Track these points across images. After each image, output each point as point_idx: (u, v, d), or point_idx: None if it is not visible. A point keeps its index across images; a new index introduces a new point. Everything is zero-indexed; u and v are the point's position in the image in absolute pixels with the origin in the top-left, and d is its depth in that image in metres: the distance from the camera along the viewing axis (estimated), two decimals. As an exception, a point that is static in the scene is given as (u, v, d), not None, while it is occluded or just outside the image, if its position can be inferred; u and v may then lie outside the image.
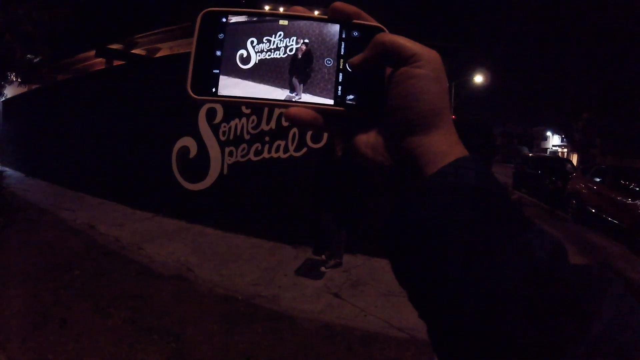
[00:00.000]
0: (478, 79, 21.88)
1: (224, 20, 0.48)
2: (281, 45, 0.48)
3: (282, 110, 0.46)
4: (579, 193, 9.85)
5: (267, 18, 0.49)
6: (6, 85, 12.91)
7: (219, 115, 6.27)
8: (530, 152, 38.22)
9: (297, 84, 0.47)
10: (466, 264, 0.34)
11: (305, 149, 5.58)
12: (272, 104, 0.47)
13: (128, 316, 3.80)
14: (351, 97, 0.47)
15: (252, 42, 0.48)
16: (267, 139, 5.86)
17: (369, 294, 4.37)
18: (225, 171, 6.30)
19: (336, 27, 0.48)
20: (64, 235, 6.06)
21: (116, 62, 13.57)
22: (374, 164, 0.45)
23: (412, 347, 3.50)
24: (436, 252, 0.35)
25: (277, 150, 5.79)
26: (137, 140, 7.70)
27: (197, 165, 6.57)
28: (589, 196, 9.37)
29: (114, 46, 15.10)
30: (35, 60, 12.39)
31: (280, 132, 5.74)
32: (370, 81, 0.47)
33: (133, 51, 15.39)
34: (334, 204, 4.78)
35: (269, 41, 0.48)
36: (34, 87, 13.66)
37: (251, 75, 0.47)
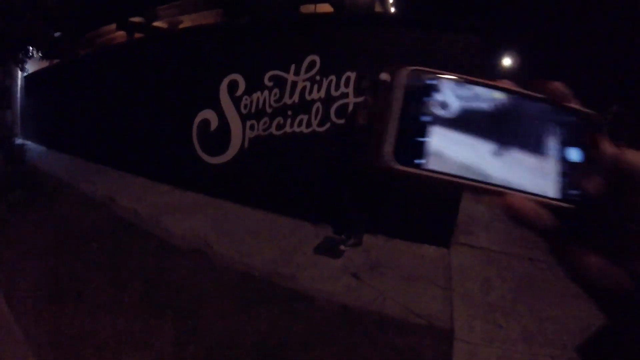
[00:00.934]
0: (506, 61, 21.27)
1: (432, 83, 0.43)
2: (497, 117, 0.43)
3: (496, 198, 0.40)
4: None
5: (478, 88, 0.43)
6: (27, 60, 13.04)
7: (241, 88, 6.11)
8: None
9: (514, 160, 0.42)
10: None
11: (328, 124, 5.38)
12: (486, 188, 0.41)
13: (144, 291, 3.78)
14: (573, 192, 0.41)
15: (463, 109, 0.42)
16: (289, 112, 5.68)
17: (389, 276, 4.22)
18: (246, 145, 6.17)
19: (551, 109, 0.44)
20: (83, 208, 6.08)
21: (137, 35, 13.50)
22: (601, 286, 0.39)
23: (431, 334, 3.37)
24: None
25: (299, 125, 5.61)
26: (157, 113, 7.62)
27: (217, 139, 6.46)
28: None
29: (135, 19, 15.01)
30: (56, 35, 12.47)
31: (303, 106, 5.55)
32: (592, 177, 0.41)
33: (155, 24, 15.28)
34: (357, 185, 4.57)
35: (483, 111, 0.43)
36: (55, 61, 13.76)
37: (461, 147, 0.41)
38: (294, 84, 5.58)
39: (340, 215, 4.81)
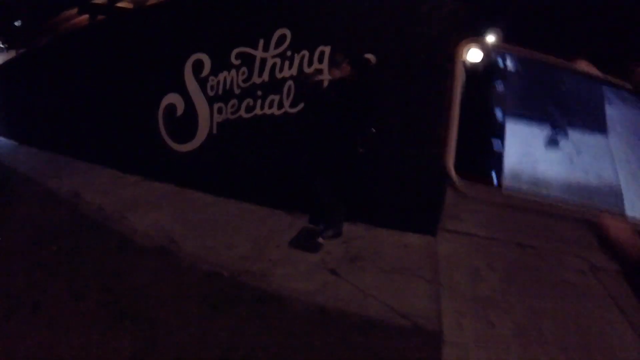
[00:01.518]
0: (490, 39, 20.84)
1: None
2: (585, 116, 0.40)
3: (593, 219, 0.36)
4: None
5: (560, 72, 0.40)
6: (-7, 53, 12.64)
7: (206, 68, 5.64)
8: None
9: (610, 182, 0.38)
10: None
11: (301, 105, 4.95)
12: (588, 212, 0.37)
13: (102, 298, 3.54)
14: None
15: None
16: (259, 93, 5.23)
17: (370, 270, 3.87)
18: (214, 130, 5.73)
19: None
20: (47, 207, 5.75)
21: (100, 18, 12.87)
22: None
23: (417, 336, 3.07)
24: None
25: (270, 106, 5.16)
26: (123, 100, 7.12)
27: (184, 124, 6.00)
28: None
29: (97, 1, 14.37)
30: (17, 24, 11.99)
31: (273, 85, 5.09)
32: None
33: (119, 4, 14.61)
34: (334, 170, 4.17)
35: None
36: (20, 51, 13.26)
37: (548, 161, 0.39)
38: (263, 61, 5.10)
39: (316, 203, 4.42)
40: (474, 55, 0.35)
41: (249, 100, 5.32)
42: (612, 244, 0.36)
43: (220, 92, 5.55)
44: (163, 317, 3.26)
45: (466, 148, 0.34)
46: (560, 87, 0.36)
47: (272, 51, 5.04)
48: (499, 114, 0.34)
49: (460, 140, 0.35)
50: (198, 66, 5.70)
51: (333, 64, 4.13)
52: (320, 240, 4.27)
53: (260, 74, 5.17)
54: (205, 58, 5.61)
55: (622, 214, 0.36)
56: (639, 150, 0.34)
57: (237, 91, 5.39)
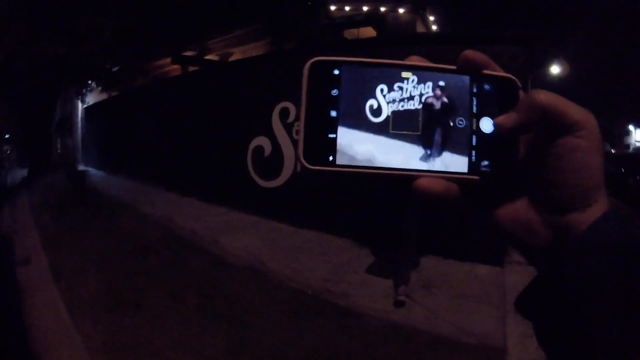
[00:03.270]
0: (555, 69, 20.46)
1: (337, 72, 0.42)
2: (408, 98, 0.43)
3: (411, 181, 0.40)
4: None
5: (385, 70, 0.43)
6: (87, 92, 13.92)
7: (292, 115, 6.36)
8: (613, 149, 35.22)
9: (427, 141, 0.42)
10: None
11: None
12: (397, 175, 0.41)
13: (200, 303, 3.93)
14: (485, 163, 0.42)
15: (372, 95, 0.42)
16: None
17: (441, 296, 4.22)
18: (298, 169, 6.37)
19: (465, 79, 0.43)
20: (142, 226, 6.45)
21: (191, 68, 14.15)
22: (524, 243, 0.42)
23: (482, 353, 3.32)
24: (593, 311, 0.35)
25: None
26: (213, 140, 8.06)
27: (271, 164, 6.72)
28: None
29: (188, 53, 15.76)
30: (114, 69, 13.29)
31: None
32: (504, 144, 0.42)
33: (207, 57, 15.98)
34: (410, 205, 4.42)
35: (393, 93, 0.42)
36: (112, 93, 14.53)
37: (371, 138, 0.42)
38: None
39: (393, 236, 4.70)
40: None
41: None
42: (429, 198, 0.40)
43: (303, 135, 6.19)
44: (255, 322, 3.60)
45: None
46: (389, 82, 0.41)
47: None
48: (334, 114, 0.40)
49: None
50: (284, 113, 6.44)
51: None
52: (402, 298, 4.09)
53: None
54: (290, 106, 6.35)
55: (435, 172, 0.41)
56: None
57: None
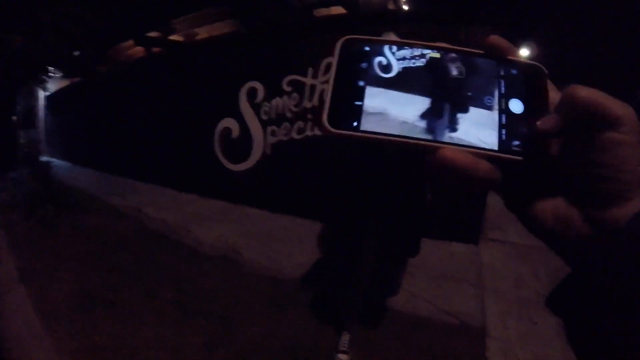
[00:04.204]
0: (524, 52, 20.74)
1: (367, 48, 0.45)
2: (435, 75, 0.44)
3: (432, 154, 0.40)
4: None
5: (415, 49, 0.45)
6: (49, 80, 13.39)
7: (260, 95, 6.18)
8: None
9: (453, 116, 0.42)
10: None
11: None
12: (421, 144, 0.40)
13: (175, 298, 3.84)
14: (516, 143, 0.41)
15: (400, 71, 0.44)
16: (309, 116, 5.71)
17: (419, 277, 4.18)
18: (268, 151, 6.22)
19: (492, 62, 0.45)
20: (112, 220, 6.23)
21: (155, 50, 13.68)
22: (563, 239, 0.40)
23: (463, 332, 3.34)
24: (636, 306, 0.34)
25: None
26: (179, 124, 7.78)
27: (239, 146, 6.53)
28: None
29: (152, 34, 15.24)
30: (75, 54, 12.77)
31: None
32: (534, 128, 0.41)
33: (171, 37, 15.47)
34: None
35: (420, 70, 0.44)
36: (75, 80, 14.03)
37: (399, 107, 0.42)
38: (313, 87, 5.60)
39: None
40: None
41: (300, 123, 5.80)
42: (453, 171, 0.39)
43: (273, 116, 6.05)
44: (232, 315, 3.54)
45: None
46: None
47: (321, 78, 5.52)
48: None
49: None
50: (252, 93, 6.24)
51: None
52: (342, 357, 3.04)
53: (310, 99, 5.65)
54: (258, 86, 6.15)
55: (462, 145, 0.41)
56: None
57: (289, 115, 5.88)
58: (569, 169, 0.40)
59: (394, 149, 0.42)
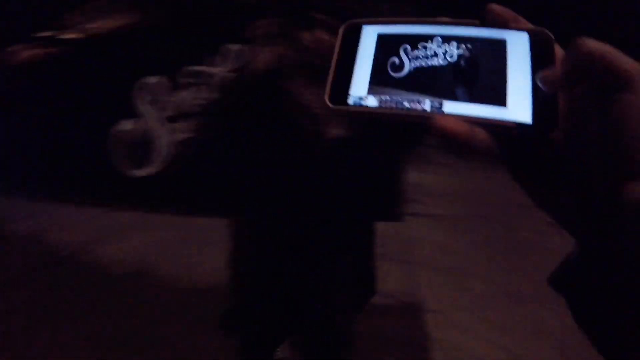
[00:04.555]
0: None
1: (365, 29, 0.47)
2: (439, 51, 0.43)
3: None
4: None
5: (415, 28, 0.45)
6: None
7: (161, 89, 5.74)
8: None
9: (459, 94, 0.40)
10: None
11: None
12: (419, 116, 0.40)
13: (89, 329, 3.53)
14: (523, 108, 0.38)
15: (404, 49, 0.44)
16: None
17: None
18: (173, 151, 5.83)
19: (493, 32, 0.42)
20: (8, 250, 5.53)
21: (47, 51, 12.73)
22: (573, 215, 0.37)
23: (403, 313, 3.37)
24: None
25: (226, 123, 5.34)
26: (74, 133, 7.10)
27: (141, 149, 6.07)
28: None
29: (43, 34, 14.13)
30: None
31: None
32: (543, 94, 0.37)
33: (67, 36, 14.44)
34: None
35: (424, 48, 0.43)
36: None
37: (402, 86, 0.42)
38: (217, 77, 5.27)
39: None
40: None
41: (207, 118, 5.45)
42: (451, 139, 0.37)
43: (174, 112, 5.65)
44: (154, 337, 3.35)
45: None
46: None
47: (227, 66, 5.20)
48: None
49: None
50: (151, 88, 5.79)
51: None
52: None
53: (218, 91, 5.32)
54: (157, 80, 5.71)
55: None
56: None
57: (194, 110, 5.51)
58: (579, 137, 0.36)
59: (392, 122, 0.42)
